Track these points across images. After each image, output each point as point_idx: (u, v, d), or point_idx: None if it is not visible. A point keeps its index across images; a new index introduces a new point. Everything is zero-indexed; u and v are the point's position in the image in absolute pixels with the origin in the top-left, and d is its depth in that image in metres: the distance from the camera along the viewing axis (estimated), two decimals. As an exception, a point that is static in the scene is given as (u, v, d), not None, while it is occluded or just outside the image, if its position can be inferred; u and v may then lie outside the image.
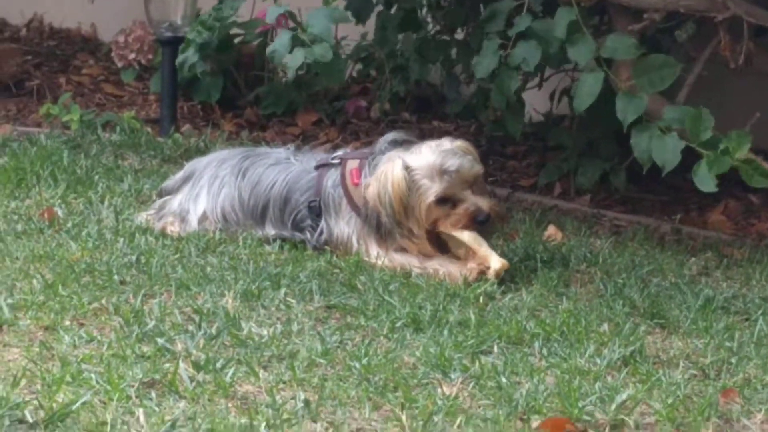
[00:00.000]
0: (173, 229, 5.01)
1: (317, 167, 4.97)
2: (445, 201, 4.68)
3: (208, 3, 6.93)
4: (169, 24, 6.79)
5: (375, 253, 4.78)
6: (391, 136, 4.96)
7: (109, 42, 7.79)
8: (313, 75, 6.80)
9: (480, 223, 4.66)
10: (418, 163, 4.70)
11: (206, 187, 5.08)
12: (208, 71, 6.85)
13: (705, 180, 5.04)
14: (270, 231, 5.00)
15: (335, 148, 5.29)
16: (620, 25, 5.42)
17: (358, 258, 4.77)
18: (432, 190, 4.65)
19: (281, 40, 5.74)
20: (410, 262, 4.74)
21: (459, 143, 4.81)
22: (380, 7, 6.08)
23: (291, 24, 5.82)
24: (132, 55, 7.42)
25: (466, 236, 4.68)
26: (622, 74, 5.31)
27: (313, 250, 4.90)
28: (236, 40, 6.98)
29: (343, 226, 4.86)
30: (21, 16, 8.21)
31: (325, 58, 5.58)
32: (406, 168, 4.67)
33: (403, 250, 4.76)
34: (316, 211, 4.91)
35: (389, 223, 4.69)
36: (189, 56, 6.75)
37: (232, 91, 7.02)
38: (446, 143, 4.78)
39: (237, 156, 5.16)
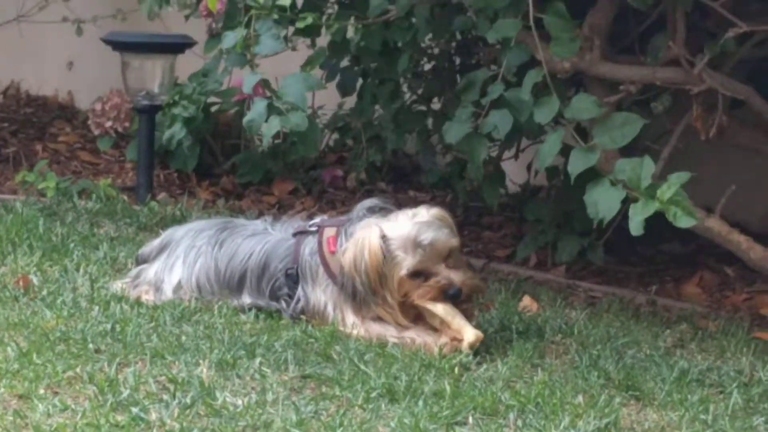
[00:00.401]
0: (148, 298, 4.98)
1: (295, 234, 4.95)
2: (418, 274, 4.64)
3: (184, 70, 6.93)
4: (146, 92, 6.81)
5: (351, 321, 4.74)
6: (368, 203, 4.94)
7: (86, 110, 7.81)
8: (289, 144, 6.82)
9: (451, 297, 4.61)
10: (395, 233, 4.66)
11: (182, 257, 5.06)
12: (187, 141, 6.86)
13: (635, 225, 4.99)
14: (247, 300, 4.97)
15: (312, 216, 5.27)
16: (596, 96, 5.42)
17: (334, 328, 4.73)
18: (405, 263, 4.63)
19: (257, 108, 5.69)
20: (387, 332, 4.69)
21: (436, 212, 4.76)
22: (359, 79, 6.10)
23: (267, 93, 5.81)
24: (109, 123, 7.43)
25: (440, 308, 4.64)
26: (590, 135, 5.30)
27: (290, 319, 4.86)
28: (213, 109, 6.98)
29: (320, 293, 4.83)
30: (-1, 82, 8.22)
31: (300, 127, 5.54)
32: (383, 237, 4.64)
33: (379, 318, 4.71)
34: (294, 278, 4.89)
35: (364, 291, 4.66)
36: (176, 131, 6.76)
37: (209, 159, 7.03)
38: (423, 213, 4.73)
39: (214, 227, 5.15)
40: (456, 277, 4.64)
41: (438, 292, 4.61)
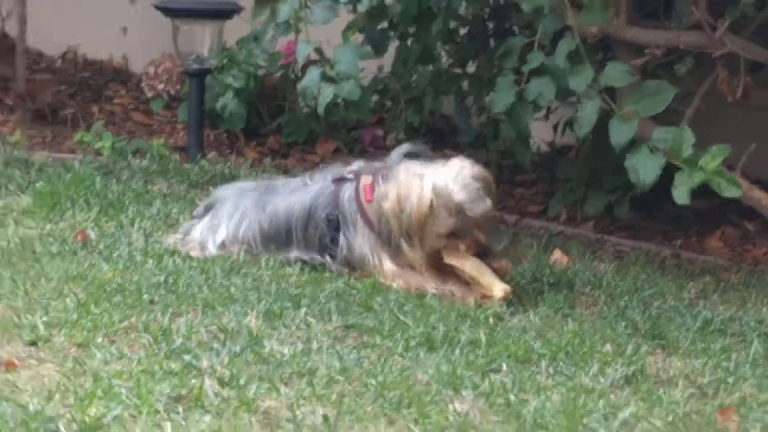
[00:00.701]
0: (197, 253, 5.02)
1: (333, 181, 4.94)
2: (454, 234, 4.69)
3: (231, 35, 6.95)
4: (196, 56, 6.81)
5: (387, 268, 4.76)
6: (405, 147, 4.95)
7: (139, 73, 7.81)
8: (332, 106, 6.83)
9: (481, 255, 4.67)
10: (444, 191, 4.64)
11: (226, 218, 5.09)
12: (235, 103, 6.87)
13: (680, 194, 5.05)
14: (294, 253, 4.99)
15: (349, 163, 5.22)
16: (622, 59, 5.44)
17: (375, 280, 4.76)
18: (447, 222, 4.64)
19: (311, 76, 5.67)
20: (427, 284, 4.73)
21: (479, 172, 4.75)
22: (396, 42, 6.09)
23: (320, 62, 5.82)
24: (161, 86, 7.45)
25: (468, 266, 4.68)
26: (621, 102, 5.31)
27: (336, 272, 4.90)
28: (262, 73, 6.99)
29: (360, 240, 4.85)
30: (56, 48, 8.23)
31: (353, 95, 5.53)
32: (434, 190, 4.62)
33: (412, 267, 4.75)
34: (335, 224, 4.89)
35: (400, 232, 4.67)
36: (228, 100, 6.79)
37: (256, 120, 7.04)
38: (468, 172, 4.71)
39: (257, 187, 5.19)
40: (484, 239, 4.69)
41: (473, 246, 4.67)
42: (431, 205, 4.60)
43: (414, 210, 4.61)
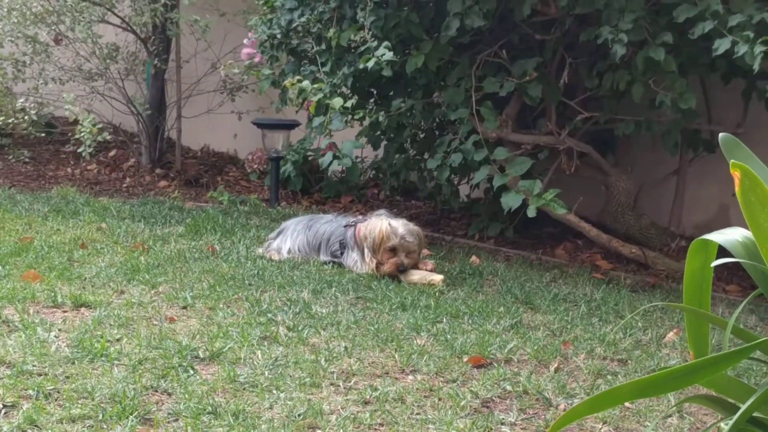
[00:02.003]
0: (275, 257, 4.99)
1: (345, 226, 5.00)
2: (393, 250, 4.72)
3: (294, 138, 6.97)
4: (275, 150, 6.84)
5: (363, 269, 4.78)
6: (382, 211, 5.03)
7: (243, 159, 7.84)
8: (347, 177, 6.89)
9: (400, 271, 4.69)
10: (394, 227, 4.76)
11: (290, 236, 5.09)
12: (295, 174, 6.89)
13: (531, 211, 5.09)
14: (323, 257, 5.00)
15: (358, 214, 5.33)
16: (510, 150, 5.43)
17: (373, 273, 4.75)
18: (393, 242, 4.71)
19: (327, 157, 5.83)
20: (414, 277, 4.70)
21: (415, 227, 4.85)
22: (385, 142, 6.12)
23: (334, 149, 5.89)
24: (255, 165, 7.47)
25: (416, 277, 4.68)
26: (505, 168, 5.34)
27: (345, 267, 4.88)
28: (310, 158, 7.01)
29: (354, 255, 4.87)
30: (197, 145, 8.27)
31: (348, 165, 5.74)
32: (389, 224, 4.75)
33: (373, 268, 4.76)
34: (344, 246, 4.93)
35: (369, 249, 4.74)
36: (288, 168, 6.82)
37: (307, 184, 7.05)
38: (410, 225, 4.83)
39: (306, 219, 5.21)
40: (406, 261, 4.71)
41: (394, 265, 4.69)
42: (385, 233, 4.70)
43: (376, 235, 4.72)
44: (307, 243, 5.03)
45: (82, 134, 6.81)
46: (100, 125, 6.96)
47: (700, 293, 1.95)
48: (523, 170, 5.24)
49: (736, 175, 1.71)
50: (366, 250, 4.77)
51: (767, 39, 4.19)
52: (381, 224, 4.74)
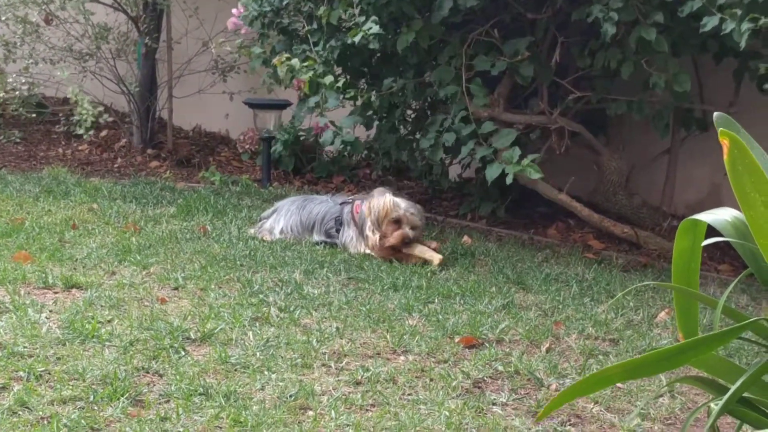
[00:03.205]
0: (267, 237, 4.99)
1: (341, 203, 5.02)
2: (398, 222, 4.70)
3: (285, 118, 6.94)
4: (266, 130, 6.82)
5: (360, 248, 4.79)
6: (380, 189, 4.98)
7: (235, 139, 7.81)
8: (341, 156, 6.85)
9: (405, 243, 4.68)
10: (395, 201, 4.76)
11: (283, 216, 5.08)
12: (286, 154, 6.87)
13: (509, 178, 5.06)
14: (315, 237, 4.99)
15: (351, 194, 5.32)
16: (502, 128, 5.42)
17: (365, 253, 4.75)
18: (395, 213, 4.70)
19: (327, 134, 5.80)
20: (377, 255, 4.73)
21: (416, 205, 4.89)
22: (377, 122, 6.09)
23: (333, 127, 5.87)
24: (247, 146, 7.43)
25: (417, 250, 4.69)
26: (491, 141, 5.31)
27: (340, 247, 4.88)
28: (301, 138, 6.98)
29: (350, 232, 4.87)
30: (189, 125, 8.23)
31: (350, 139, 5.70)
32: (392, 199, 4.75)
33: (371, 248, 4.75)
34: (339, 223, 4.94)
35: (372, 224, 4.71)
36: (278, 147, 6.78)
37: (299, 164, 7.02)
38: (411, 202, 4.87)
39: (300, 200, 5.19)
40: (411, 233, 4.70)
41: (401, 236, 4.67)
42: (389, 204, 4.69)
43: (380, 208, 4.70)
44: (300, 223, 5.02)
45: (83, 116, 6.78)
46: (100, 108, 6.94)
47: (689, 273, 1.94)
48: (508, 142, 5.20)
49: (724, 143, 1.70)
50: (368, 225, 4.74)
51: (755, 16, 4.17)
52: (384, 198, 4.75)
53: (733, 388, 1.77)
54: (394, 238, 4.67)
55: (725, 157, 1.71)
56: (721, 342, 1.77)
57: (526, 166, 5.01)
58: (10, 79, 7.34)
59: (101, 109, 6.93)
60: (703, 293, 1.98)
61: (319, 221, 5.00)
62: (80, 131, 6.89)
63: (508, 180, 5.04)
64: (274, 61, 5.49)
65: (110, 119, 7.22)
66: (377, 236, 4.71)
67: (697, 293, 1.94)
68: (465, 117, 5.29)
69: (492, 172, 5.11)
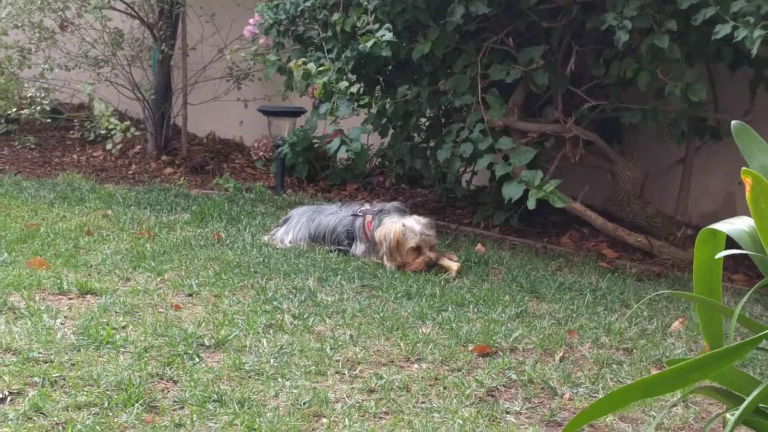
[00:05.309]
0: (279, 245, 4.99)
1: (352, 215, 5.02)
2: (416, 250, 4.68)
3: (299, 124, 6.96)
4: (280, 137, 6.83)
5: (372, 259, 4.80)
6: (394, 204, 5.02)
7: (249, 146, 7.82)
8: (354, 164, 6.86)
9: (429, 267, 4.66)
10: (409, 225, 4.73)
11: (294, 226, 5.11)
12: (300, 162, 6.87)
13: (531, 202, 5.08)
14: (326, 247, 4.99)
15: (365, 202, 5.32)
16: (515, 138, 5.42)
17: (380, 262, 4.75)
18: (412, 241, 4.67)
19: (335, 143, 5.84)
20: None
21: (429, 220, 4.86)
22: (392, 129, 6.09)
23: (342, 135, 5.89)
24: (261, 153, 7.44)
25: (439, 261, 4.72)
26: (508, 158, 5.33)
27: (352, 257, 4.88)
28: (316, 145, 6.99)
29: (362, 246, 4.89)
30: (203, 132, 8.25)
31: (356, 149, 5.75)
32: (403, 226, 4.70)
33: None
34: (351, 237, 4.96)
35: (386, 251, 4.70)
36: (285, 149, 6.78)
37: (313, 172, 7.03)
38: (422, 219, 4.82)
39: (310, 212, 5.20)
40: (432, 256, 4.69)
41: (424, 264, 4.66)
42: (402, 234, 4.66)
43: (392, 237, 4.67)
44: (309, 235, 5.04)
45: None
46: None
47: (711, 283, 1.94)
48: (527, 160, 5.23)
49: (747, 181, 1.70)
50: (383, 251, 4.73)
51: (767, 24, 4.16)
52: (395, 226, 4.71)
53: (749, 398, 1.76)
54: (416, 265, 4.67)
55: (747, 195, 1.71)
56: (739, 355, 1.77)
57: (549, 193, 5.03)
58: (27, 85, 7.39)
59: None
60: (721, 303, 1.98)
61: (329, 234, 5.02)
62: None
63: (530, 205, 5.06)
64: (290, 64, 5.50)
65: (126, 125, 7.24)
66: (393, 264, 4.69)
67: (717, 303, 1.94)
68: (483, 130, 5.31)
69: (511, 191, 5.13)
